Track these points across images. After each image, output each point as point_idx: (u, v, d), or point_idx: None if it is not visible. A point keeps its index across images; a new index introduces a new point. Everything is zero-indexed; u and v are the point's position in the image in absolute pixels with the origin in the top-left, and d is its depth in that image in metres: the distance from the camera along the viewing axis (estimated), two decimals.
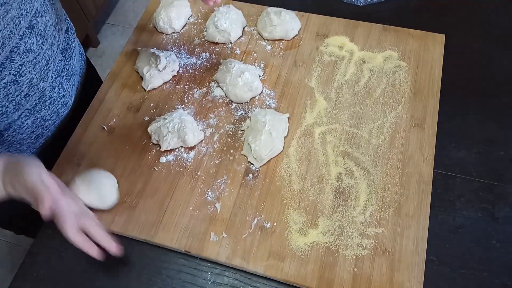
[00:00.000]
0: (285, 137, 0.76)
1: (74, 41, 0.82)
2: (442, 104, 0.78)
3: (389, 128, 0.76)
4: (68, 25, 0.80)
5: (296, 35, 0.88)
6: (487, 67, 0.85)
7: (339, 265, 0.64)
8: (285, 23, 0.87)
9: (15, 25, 0.60)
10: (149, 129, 0.77)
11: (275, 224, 0.68)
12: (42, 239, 0.72)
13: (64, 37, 0.77)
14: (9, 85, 0.63)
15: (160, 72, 0.83)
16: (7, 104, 0.65)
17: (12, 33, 0.60)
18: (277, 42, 0.88)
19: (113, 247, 0.61)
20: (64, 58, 0.77)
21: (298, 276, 0.64)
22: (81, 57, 0.88)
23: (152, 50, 0.86)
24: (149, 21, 0.94)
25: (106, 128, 0.80)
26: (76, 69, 0.83)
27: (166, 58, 0.83)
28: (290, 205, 0.70)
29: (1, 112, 0.65)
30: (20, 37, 0.62)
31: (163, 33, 0.92)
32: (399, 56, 0.84)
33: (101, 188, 0.69)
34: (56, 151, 0.78)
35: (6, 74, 0.62)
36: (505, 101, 0.81)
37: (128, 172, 0.74)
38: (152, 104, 0.82)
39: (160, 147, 0.76)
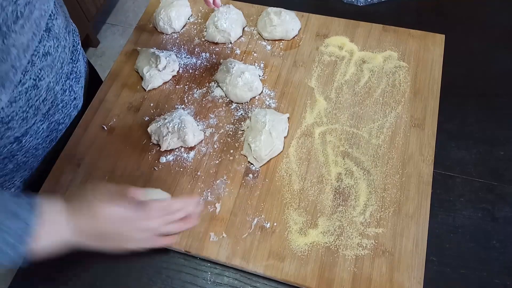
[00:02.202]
0: (285, 137, 0.76)
1: (79, 43, 0.82)
2: (442, 104, 0.78)
3: (389, 128, 0.76)
4: (73, 26, 0.80)
5: (296, 35, 0.88)
6: (487, 67, 0.85)
7: (339, 265, 0.64)
8: (285, 23, 0.87)
9: (37, 26, 0.58)
10: (149, 129, 0.77)
11: (275, 224, 0.68)
12: None
13: (71, 40, 0.77)
14: (30, 90, 0.63)
15: (160, 72, 0.83)
16: (27, 109, 0.64)
17: (34, 35, 0.58)
18: (277, 42, 0.88)
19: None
20: (71, 61, 0.77)
21: (298, 276, 0.64)
22: (83, 59, 0.88)
23: (152, 50, 0.86)
24: (149, 21, 0.94)
25: (106, 128, 0.80)
26: (82, 71, 0.83)
27: (166, 58, 0.83)
28: (290, 205, 0.70)
29: (22, 117, 0.64)
30: (39, 40, 0.61)
31: (163, 33, 0.92)
32: (399, 56, 0.84)
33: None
34: None
35: (27, 79, 0.61)
36: (505, 101, 0.81)
37: (128, 172, 0.74)
38: (152, 104, 0.82)
39: (160, 147, 0.76)
